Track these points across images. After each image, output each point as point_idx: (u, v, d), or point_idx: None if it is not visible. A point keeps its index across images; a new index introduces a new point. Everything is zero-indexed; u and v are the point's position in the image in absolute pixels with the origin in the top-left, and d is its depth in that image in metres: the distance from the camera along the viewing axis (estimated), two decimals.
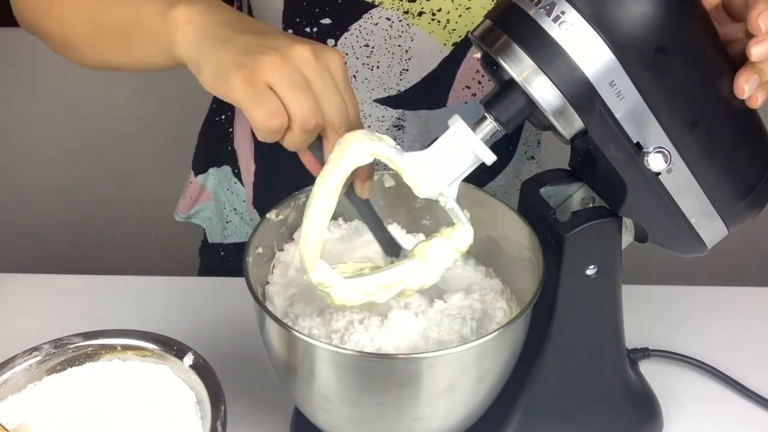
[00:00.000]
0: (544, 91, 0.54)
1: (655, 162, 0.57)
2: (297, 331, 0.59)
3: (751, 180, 0.62)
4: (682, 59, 0.55)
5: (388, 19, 0.86)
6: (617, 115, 0.55)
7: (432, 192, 0.60)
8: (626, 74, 0.53)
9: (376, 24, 0.86)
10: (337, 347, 0.59)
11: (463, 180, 0.62)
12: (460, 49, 0.89)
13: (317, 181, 0.59)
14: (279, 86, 0.55)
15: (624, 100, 0.54)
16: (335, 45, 0.88)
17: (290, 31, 0.88)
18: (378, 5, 0.85)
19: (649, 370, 0.80)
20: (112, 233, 2.16)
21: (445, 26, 0.87)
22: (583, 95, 0.54)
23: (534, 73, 0.54)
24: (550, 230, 0.64)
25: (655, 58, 0.53)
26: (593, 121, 0.55)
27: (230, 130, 1.05)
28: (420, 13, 0.86)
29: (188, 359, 0.69)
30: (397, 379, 0.59)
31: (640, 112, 0.55)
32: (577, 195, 0.68)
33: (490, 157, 0.59)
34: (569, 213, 0.66)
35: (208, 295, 0.95)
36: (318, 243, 0.60)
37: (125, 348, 0.71)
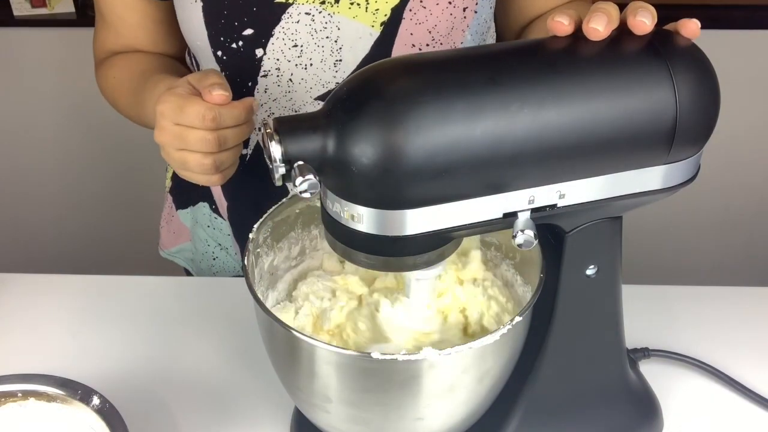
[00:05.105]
0: None
1: None
2: (297, 331, 0.59)
3: None
4: None
5: (308, 13, 0.84)
6: None
7: None
8: None
9: (298, 22, 0.84)
10: (338, 348, 0.59)
11: None
12: (390, 26, 0.86)
13: None
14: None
15: None
16: (264, 54, 0.86)
17: (219, 52, 0.87)
18: (293, 3, 0.83)
19: (649, 370, 0.80)
20: (113, 233, 2.16)
21: (367, 8, 0.84)
22: None
23: None
24: (550, 230, 0.64)
25: None
26: None
27: None
28: (337, 0, 0.84)
29: (94, 403, 0.67)
30: (398, 380, 0.59)
31: None
32: None
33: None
34: None
35: (207, 295, 0.95)
36: None
37: (27, 394, 0.69)
